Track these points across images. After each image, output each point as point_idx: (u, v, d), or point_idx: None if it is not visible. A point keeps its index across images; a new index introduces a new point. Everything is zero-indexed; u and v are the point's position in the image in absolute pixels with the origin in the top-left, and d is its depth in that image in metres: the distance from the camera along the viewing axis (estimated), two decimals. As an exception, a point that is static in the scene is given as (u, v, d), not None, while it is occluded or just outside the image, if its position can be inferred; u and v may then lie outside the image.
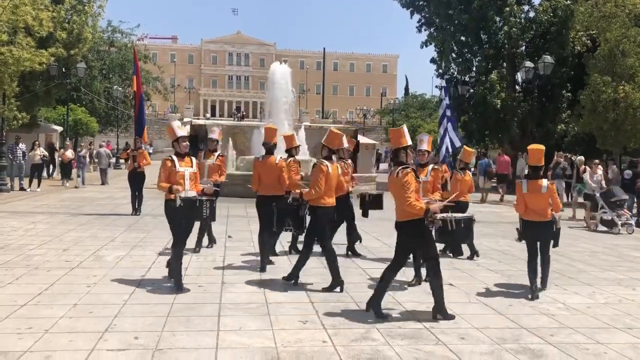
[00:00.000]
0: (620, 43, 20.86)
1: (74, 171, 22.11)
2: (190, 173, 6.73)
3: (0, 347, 4.60)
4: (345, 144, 8.77)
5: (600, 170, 14.80)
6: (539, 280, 6.91)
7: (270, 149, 7.95)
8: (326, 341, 4.99)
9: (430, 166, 7.74)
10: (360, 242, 9.48)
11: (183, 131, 6.79)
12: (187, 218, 6.70)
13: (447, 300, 6.44)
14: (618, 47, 20.97)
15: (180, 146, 6.74)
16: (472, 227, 7.10)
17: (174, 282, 6.70)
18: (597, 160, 15.54)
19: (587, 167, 15.69)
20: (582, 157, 17.84)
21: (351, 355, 4.68)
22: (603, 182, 14.55)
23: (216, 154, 9.32)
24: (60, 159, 22.67)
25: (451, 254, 9.16)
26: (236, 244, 9.72)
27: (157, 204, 15.62)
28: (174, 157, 6.71)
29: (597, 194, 13.43)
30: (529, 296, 6.72)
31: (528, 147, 7.18)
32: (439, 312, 5.76)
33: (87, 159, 23.09)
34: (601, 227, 13.34)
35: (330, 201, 6.73)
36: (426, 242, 5.80)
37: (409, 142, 5.73)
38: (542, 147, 7.01)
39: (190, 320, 5.46)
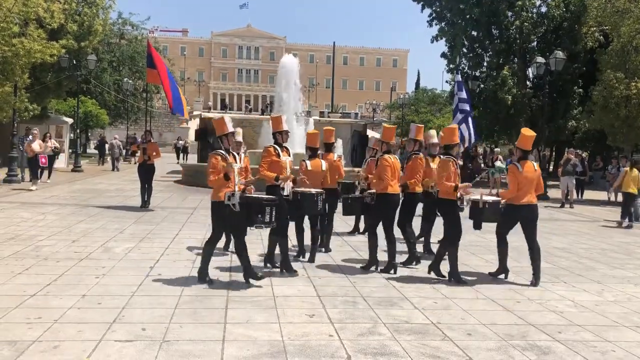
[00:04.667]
0: (634, 39, 20.63)
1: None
2: (290, 162, 7.29)
3: (10, 337, 4.64)
4: (435, 139, 8.55)
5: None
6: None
7: (315, 152, 7.95)
8: (332, 335, 5.00)
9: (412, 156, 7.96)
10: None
11: (287, 125, 7.35)
12: (301, 210, 7.33)
13: (454, 295, 6.46)
14: (631, 42, 20.74)
15: (282, 137, 7.22)
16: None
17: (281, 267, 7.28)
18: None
19: (499, 156, 21.48)
20: (498, 149, 21.80)
21: (357, 349, 4.69)
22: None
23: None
24: (26, 153, 17.58)
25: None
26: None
27: (165, 197, 15.72)
28: (277, 147, 7.19)
29: None
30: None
31: (521, 130, 7.44)
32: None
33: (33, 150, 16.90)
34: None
35: (396, 189, 7.31)
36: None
37: (230, 130, 6.47)
38: (534, 133, 7.28)
39: (197, 312, 5.48)
